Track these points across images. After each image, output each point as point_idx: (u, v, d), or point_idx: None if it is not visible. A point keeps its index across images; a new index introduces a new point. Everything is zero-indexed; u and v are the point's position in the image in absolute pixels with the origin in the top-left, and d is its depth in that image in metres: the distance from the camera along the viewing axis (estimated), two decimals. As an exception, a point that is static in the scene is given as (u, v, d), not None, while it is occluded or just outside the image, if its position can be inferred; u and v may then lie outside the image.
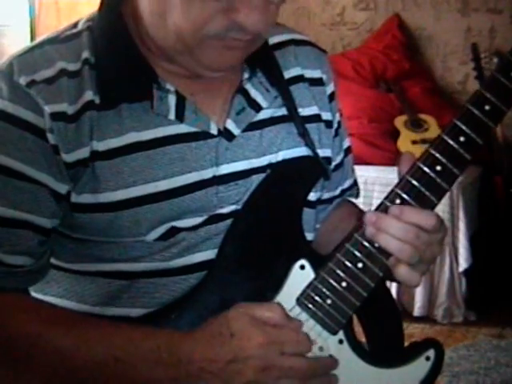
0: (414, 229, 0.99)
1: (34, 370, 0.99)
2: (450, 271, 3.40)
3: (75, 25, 1.06)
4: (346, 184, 1.27)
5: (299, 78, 1.15)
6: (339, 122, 1.23)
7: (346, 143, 1.26)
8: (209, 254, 1.04)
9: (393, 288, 3.32)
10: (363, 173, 3.36)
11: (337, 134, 1.22)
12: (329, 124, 1.18)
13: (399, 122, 3.70)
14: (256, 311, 0.97)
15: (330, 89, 1.20)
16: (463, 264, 3.37)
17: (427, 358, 1.07)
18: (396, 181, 1.04)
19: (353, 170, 1.29)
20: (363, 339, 1.09)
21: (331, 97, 1.20)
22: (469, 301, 3.45)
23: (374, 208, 1.04)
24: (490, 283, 3.50)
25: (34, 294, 1.09)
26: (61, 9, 3.96)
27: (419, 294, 3.42)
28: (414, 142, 3.55)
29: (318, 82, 1.18)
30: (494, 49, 3.97)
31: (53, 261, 1.07)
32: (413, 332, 3.29)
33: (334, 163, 1.21)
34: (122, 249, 1.02)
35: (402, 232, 0.99)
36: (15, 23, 3.96)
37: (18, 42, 3.78)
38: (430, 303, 3.45)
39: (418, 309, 3.43)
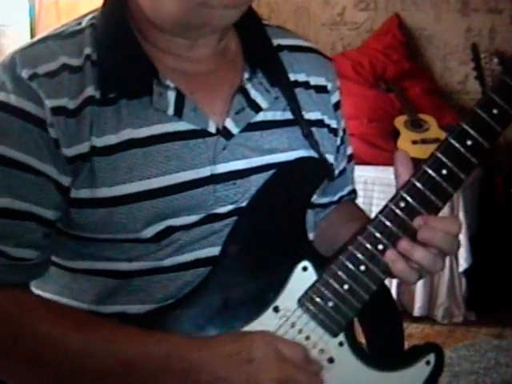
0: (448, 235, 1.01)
1: (43, 369, 0.99)
2: (450, 271, 3.40)
3: (79, 22, 1.07)
4: (346, 191, 1.27)
5: (304, 84, 1.15)
6: (344, 130, 1.23)
7: (349, 150, 1.26)
8: (203, 253, 1.04)
9: (393, 288, 3.32)
10: (363, 173, 3.36)
11: (342, 141, 1.22)
12: (333, 131, 1.19)
13: (399, 122, 3.70)
14: (281, 345, 0.97)
15: (335, 98, 1.20)
16: (463, 264, 3.37)
17: (427, 363, 1.07)
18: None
19: (353, 178, 1.29)
20: (363, 340, 1.09)
21: (336, 106, 1.20)
22: (469, 301, 3.45)
23: (374, 208, 1.04)
24: (490, 283, 3.50)
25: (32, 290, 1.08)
26: (61, 9, 3.96)
27: (419, 294, 3.42)
28: (414, 142, 3.55)
29: (322, 90, 1.18)
30: (494, 49, 3.96)
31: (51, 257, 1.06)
32: (413, 332, 3.29)
33: (337, 170, 1.21)
34: (117, 248, 1.02)
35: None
36: (15, 23, 3.96)
37: (18, 42, 3.78)
38: (430, 303, 3.45)
39: (417, 309, 3.43)
